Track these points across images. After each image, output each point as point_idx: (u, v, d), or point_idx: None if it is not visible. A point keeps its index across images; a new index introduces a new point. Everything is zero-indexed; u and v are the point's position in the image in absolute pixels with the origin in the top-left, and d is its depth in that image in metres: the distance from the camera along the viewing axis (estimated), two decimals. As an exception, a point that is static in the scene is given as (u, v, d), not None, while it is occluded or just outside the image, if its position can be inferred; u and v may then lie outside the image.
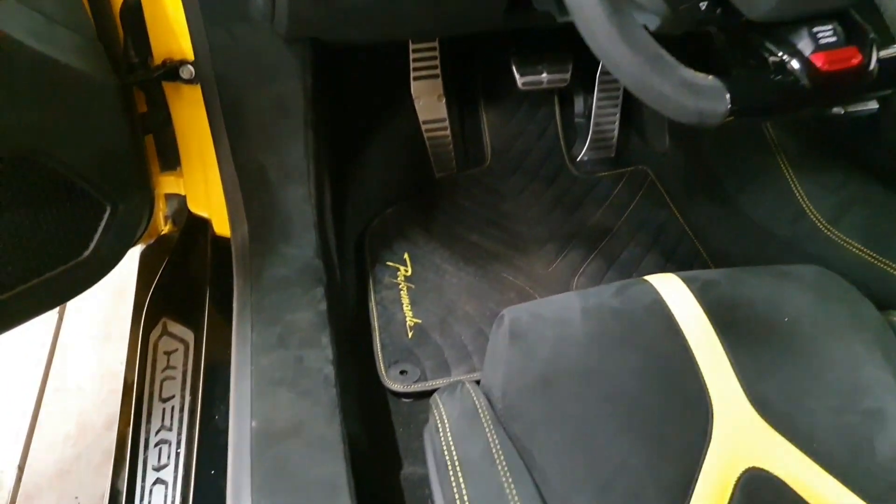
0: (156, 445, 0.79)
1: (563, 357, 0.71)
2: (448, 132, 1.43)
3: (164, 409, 0.84)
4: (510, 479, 0.61)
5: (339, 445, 0.67)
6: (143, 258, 1.15)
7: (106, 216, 0.78)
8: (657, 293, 0.76)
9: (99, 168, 0.74)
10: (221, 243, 1.01)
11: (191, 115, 0.99)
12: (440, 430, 0.67)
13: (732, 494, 0.64)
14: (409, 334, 1.08)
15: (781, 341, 0.73)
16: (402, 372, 1.01)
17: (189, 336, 0.94)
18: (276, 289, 0.87)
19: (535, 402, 0.68)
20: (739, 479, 0.65)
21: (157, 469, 0.76)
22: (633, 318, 0.74)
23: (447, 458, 0.64)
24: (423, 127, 1.42)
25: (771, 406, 0.68)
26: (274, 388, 0.72)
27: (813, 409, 0.69)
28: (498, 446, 0.63)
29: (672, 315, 0.74)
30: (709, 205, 1.28)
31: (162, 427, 0.81)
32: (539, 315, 0.74)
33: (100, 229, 0.78)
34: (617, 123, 1.52)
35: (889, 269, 0.87)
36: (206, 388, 0.83)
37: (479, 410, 0.68)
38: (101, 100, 0.72)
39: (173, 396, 0.85)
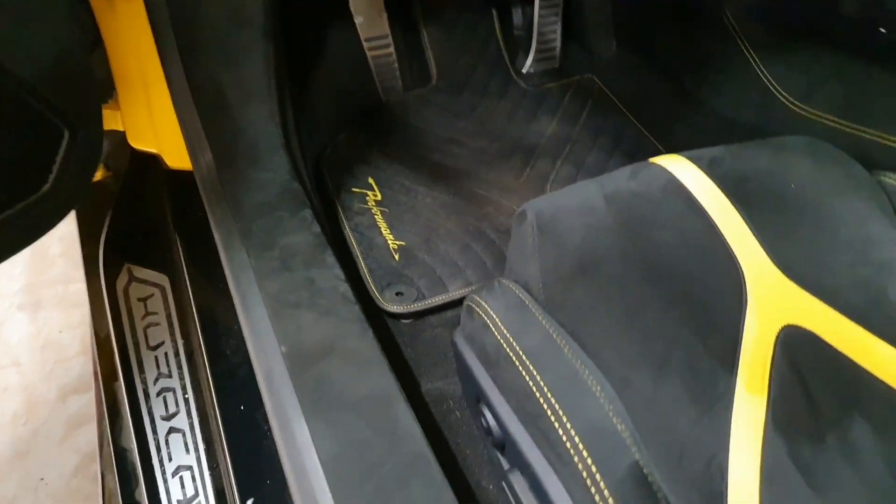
0: (158, 395, 0.71)
1: (596, 243, 0.69)
2: (391, 49, 1.36)
3: (156, 358, 0.76)
4: (579, 362, 0.59)
5: (380, 358, 0.63)
6: (81, 212, 1.03)
7: (65, 143, 0.67)
8: (670, 173, 0.76)
9: (54, 84, 0.63)
10: (178, 177, 0.92)
11: (128, 33, 0.87)
12: (491, 325, 0.64)
13: (774, 351, 0.65)
14: (396, 257, 1.04)
15: (793, 207, 0.75)
16: (398, 294, 0.97)
17: (163, 279, 0.85)
18: (261, 215, 0.80)
19: (577, 290, 0.66)
20: (778, 336, 0.66)
21: (167, 418, 0.69)
22: (652, 199, 0.73)
23: (508, 350, 0.61)
24: (366, 45, 1.34)
25: (795, 267, 0.70)
26: (293, 311, 0.67)
27: (831, 265, 0.71)
28: (558, 332, 0.61)
29: (690, 192, 0.73)
30: (666, 104, 1.29)
31: (160, 375, 0.73)
32: (562, 206, 0.72)
33: (59, 158, 0.67)
34: (559, 34, 1.49)
35: (868, 134, 0.90)
36: (203, 328, 0.75)
37: (528, 302, 0.65)
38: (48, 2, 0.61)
39: (163, 343, 0.77)
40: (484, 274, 1.02)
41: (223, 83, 0.89)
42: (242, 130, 0.90)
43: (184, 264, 0.84)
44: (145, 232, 0.94)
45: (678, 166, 0.77)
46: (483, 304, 0.67)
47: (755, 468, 0.62)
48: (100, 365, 0.79)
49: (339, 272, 0.73)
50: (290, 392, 0.59)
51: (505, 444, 0.71)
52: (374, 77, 1.37)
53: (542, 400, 0.57)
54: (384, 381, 0.61)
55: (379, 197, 1.15)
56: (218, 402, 0.67)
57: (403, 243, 1.06)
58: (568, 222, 0.70)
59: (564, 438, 0.55)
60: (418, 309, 0.96)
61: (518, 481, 0.67)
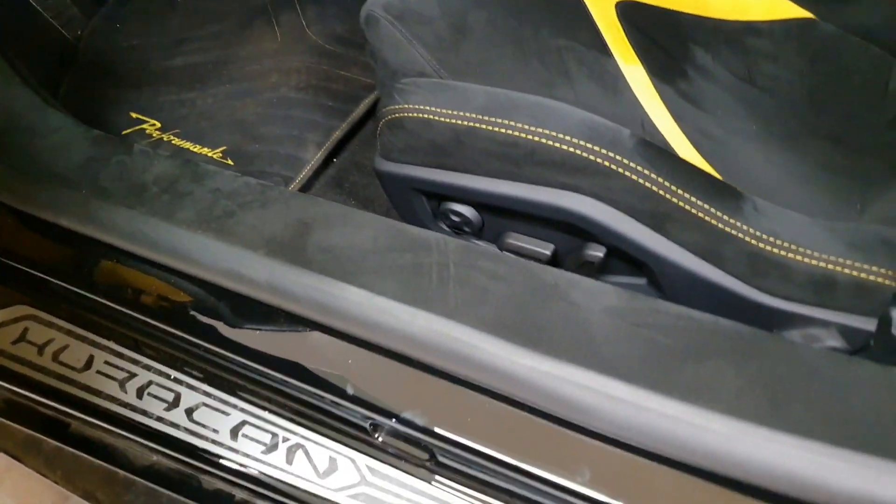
0: (141, 396, 0.60)
1: (451, 2, 0.69)
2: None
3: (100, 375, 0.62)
4: (528, 96, 0.62)
5: (348, 209, 0.60)
6: None
7: None
8: None
9: None
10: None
11: None
12: (432, 116, 0.63)
13: (622, 26, 0.75)
14: (229, 162, 0.93)
15: None
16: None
17: (21, 311, 0.68)
18: (100, 171, 0.66)
19: (466, 50, 0.68)
20: (617, 14, 0.75)
21: (168, 411, 0.59)
22: None
23: (466, 123, 0.62)
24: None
25: None
26: (234, 220, 0.59)
27: None
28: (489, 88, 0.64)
29: None
30: None
31: (119, 391, 0.61)
32: None
33: None
34: None
35: None
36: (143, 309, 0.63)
37: (443, 79, 0.65)
38: None
39: (90, 359, 0.63)
40: (323, 129, 0.97)
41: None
42: None
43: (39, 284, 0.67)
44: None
45: None
46: (407, 106, 0.65)
47: (666, 114, 0.72)
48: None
49: (230, 172, 0.65)
50: (314, 281, 0.53)
51: (484, 224, 0.73)
52: (49, 18, 1.12)
53: (529, 136, 0.60)
54: (374, 222, 0.58)
55: (158, 124, 0.99)
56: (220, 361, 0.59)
57: (224, 147, 0.95)
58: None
59: (571, 149, 0.58)
60: (298, 188, 0.89)
61: (523, 240, 0.70)
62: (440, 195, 0.72)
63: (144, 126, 0.99)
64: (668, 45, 0.78)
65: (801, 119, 0.74)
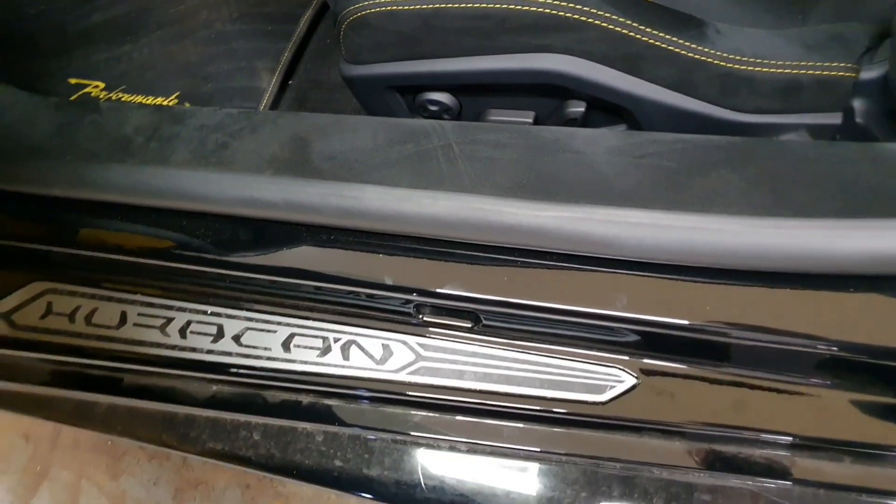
0: (184, 334, 0.61)
1: None
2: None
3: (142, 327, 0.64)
4: None
5: (341, 117, 0.61)
6: None
7: None
8: None
9: None
10: None
11: None
12: (395, 5, 0.63)
13: None
14: (186, 105, 0.91)
15: None
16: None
17: (38, 287, 0.68)
18: (73, 133, 0.65)
19: None
20: None
21: (214, 343, 0.61)
22: None
23: (430, 4, 0.62)
24: None
25: None
26: (230, 150, 0.59)
27: None
28: None
29: None
30: None
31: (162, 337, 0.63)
32: None
33: None
34: None
35: None
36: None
37: None
38: None
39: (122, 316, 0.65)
40: (270, 53, 0.95)
41: None
42: None
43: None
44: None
45: None
46: (368, 2, 0.64)
47: None
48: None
49: (209, 108, 0.65)
50: (329, 188, 0.55)
51: (462, 107, 0.74)
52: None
53: (498, 5, 0.61)
54: (367, 122, 0.59)
55: (101, 84, 0.96)
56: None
57: (178, 93, 0.93)
58: None
59: (541, 10, 0.60)
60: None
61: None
62: (415, 87, 0.73)
63: (88, 90, 0.95)
64: None
65: None
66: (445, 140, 0.57)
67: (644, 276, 0.51)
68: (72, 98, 0.95)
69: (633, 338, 0.53)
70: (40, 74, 1.00)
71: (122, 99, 0.94)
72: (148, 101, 0.93)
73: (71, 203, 0.65)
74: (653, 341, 0.53)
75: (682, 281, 0.50)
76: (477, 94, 0.72)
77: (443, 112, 0.74)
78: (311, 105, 0.91)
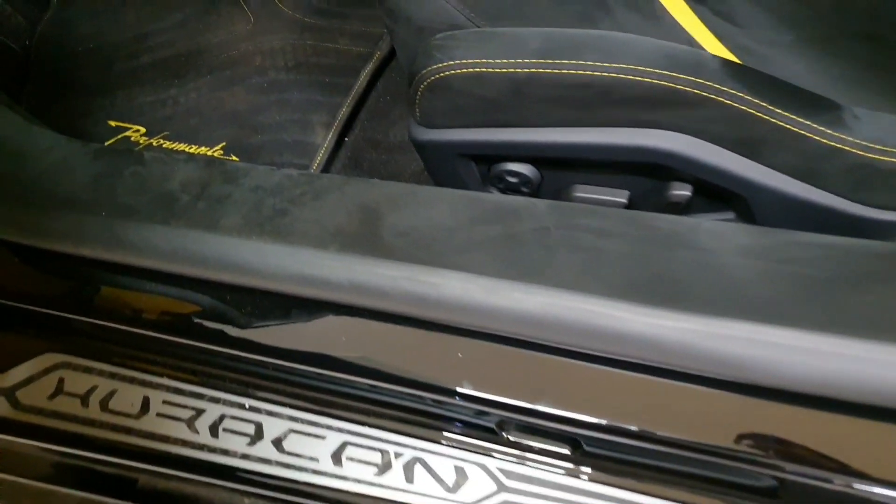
0: (216, 433, 0.52)
1: None
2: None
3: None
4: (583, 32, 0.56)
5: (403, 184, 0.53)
6: None
7: None
8: None
9: None
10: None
11: None
12: (483, 68, 0.57)
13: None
14: (232, 157, 0.85)
15: None
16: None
17: (50, 359, 0.60)
18: (115, 187, 0.58)
19: None
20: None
21: (250, 447, 0.52)
22: None
23: (525, 70, 0.55)
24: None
25: None
26: (289, 218, 0.52)
27: None
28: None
29: None
30: None
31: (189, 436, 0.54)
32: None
33: None
34: None
35: None
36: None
37: (484, 28, 0.59)
38: None
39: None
40: (327, 107, 0.88)
41: None
42: None
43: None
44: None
45: None
46: (453, 63, 0.57)
47: (709, 35, 0.66)
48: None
49: (265, 166, 0.57)
50: (403, 271, 0.47)
51: (543, 181, 0.66)
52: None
53: (603, 73, 0.53)
54: (444, 195, 0.51)
55: (142, 129, 0.90)
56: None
57: (224, 144, 0.86)
58: None
59: (654, 81, 0.52)
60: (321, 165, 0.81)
61: (587, 190, 0.64)
62: (492, 156, 0.65)
63: (128, 133, 0.89)
64: None
65: (831, 22, 0.70)
66: (540, 222, 0.49)
67: (794, 407, 0.41)
68: (110, 142, 0.89)
69: (769, 483, 0.43)
70: (81, 113, 0.94)
71: (164, 145, 0.87)
72: (191, 150, 0.86)
73: (100, 265, 0.57)
74: (795, 491, 0.43)
75: (849, 418, 0.41)
76: (564, 168, 0.64)
77: (521, 185, 0.66)
78: (368, 165, 0.84)
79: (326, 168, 0.83)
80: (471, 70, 0.58)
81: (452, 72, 0.59)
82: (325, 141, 0.84)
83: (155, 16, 1.08)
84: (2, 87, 0.97)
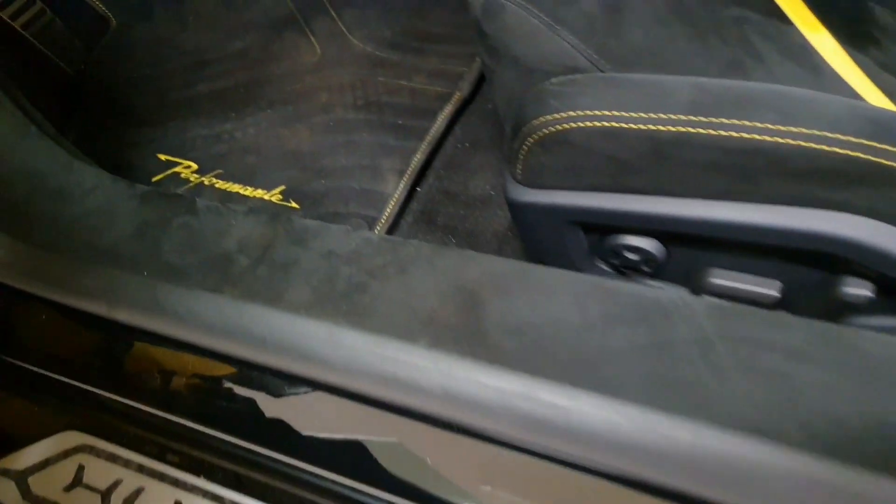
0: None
1: None
2: (42, 6, 0.93)
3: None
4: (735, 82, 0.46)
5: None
6: None
7: None
8: None
9: None
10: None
11: None
12: (617, 123, 0.46)
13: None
14: (293, 204, 0.75)
15: None
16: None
17: (72, 439, 0.50)
18: (159, 241, 0.50)
19: (628, 32, 0.51)
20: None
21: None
22: None
23: (670, 127, 0.44)
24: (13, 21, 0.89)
25: None
26: (367, 294, 0.42)
27: None
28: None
29: None
30: None
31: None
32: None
33: None
34: None
35: None
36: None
37: (613, 74, 0.48)
38: None
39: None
40: (399, 153, 0.79)
41: None
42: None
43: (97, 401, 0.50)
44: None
45: None
46: (576, 114, 0.47)
47: (876, 91, 0.55)
48: None
49: (340, 227, 0.48)
50: (518, 385, 0.36)
51: (669, 259, 0.55)
52: (47, 52, 0.94)
53: (780, 139, 0.42)
54: (565, 280, 0.41)
55: (194, 165, 0.81)
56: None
57: (283, 187, 0.77)
58: None
59: (849, 152, 0.40)
60: (384, 232, 0.71)
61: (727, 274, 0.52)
62: (609, 227, 0.54)
63: (178, 169, 0.81)
64: (845, 4, 0.61)
65: None
66: (699, 330, 0.37)
67: None
68: (158, 177, 0.81)
69: None
70: (130, 144, 0.87)
71: (217, 185, 0.78)
72: (246, 192, 0.77)
73: (137, 333, 0.48)
74: None
75: None
76: (699, 248, 0.52)
77: (642, 263, 0.55)
78: (443, 220, 0.74)
79: (396, 221, 0.73)
80: (600, 124, 0.47)
81: (575, 124, 0.48)
82: (396, 191, 0.74)
83: (215, 43, 1.01)
84: (51, 112, 0.90)
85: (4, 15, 0.86)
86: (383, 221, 0.72)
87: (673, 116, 0.45)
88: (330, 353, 0.41)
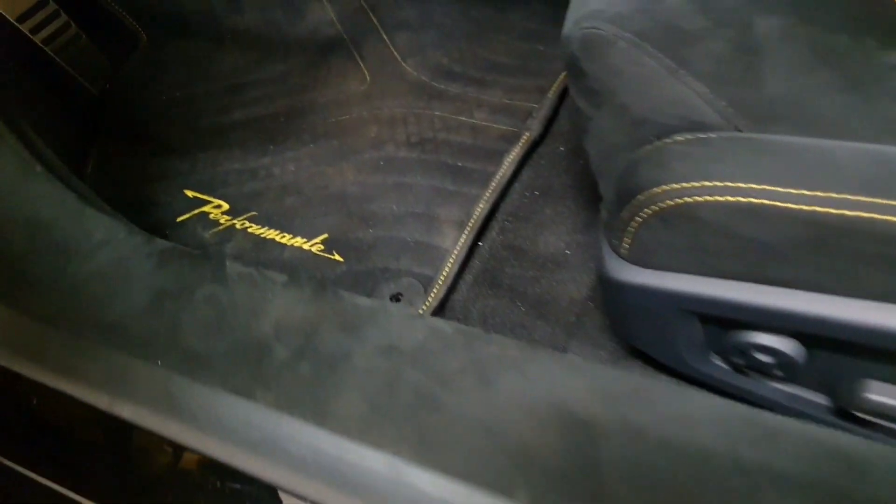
0: None
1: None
2: (70, 22, 0.85)
3: None
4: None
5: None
6: None
7: None
8: None
9: None
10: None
11: None
12: (767, 200, 0.35)
13: None
14: (336, 257, 0.65)
15: None
16: (395, 298, 0.60)
17: None
18: (182, 306, 0.40)
19: (764, 86, 0.40)
20: None
21: None
22: None
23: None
24: (36, 38, 0.81)
25: None
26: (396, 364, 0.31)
27: None
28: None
29: None
30: None
31: None
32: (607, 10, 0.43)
33: None
34: None
35: None
36: None
37: (743, 130, 0.38)
38: None
39: None
40: (459, 200, 0.69)
41: None
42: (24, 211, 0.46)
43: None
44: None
45: None
46: (711, 185, 0.37)
47: None
48: None
49: (400, 308, 0.38)
50: None
51: (810, 362, 0.44)
52: (69, 70, 0.86)
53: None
54: (731, 411, 0.30)
55: (225, 206, 0.72)
56: None
57: (325, 236, 0.67)
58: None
59: None
60: (441, 295, 0.61)
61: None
62: (737, 321, 0.43)
63: (206, 209, 0.71)
64: None
65: None
66: None
67: None
68: (184, 217, 0.71)
69: None
70: (155, 176, 0.78)
71: (249, 229, 0.69)
72: (283, 240, 0.67)
73: (149, 439, 0.38)
74: None
75: None
76: (850, 352, 0.41)
77: (775, 367, 0.44)
78: (508, 281, 0.63)
79: (455, 282, 0.63)
80: (742, 199, 0.37)
81: (708, 197, 0.38)
82: (456, 246, 0.64)
83: (254, 66, 0.93)
84: (70, 136, 0.82)
85: (25, 28, 0.78)
86: (441, 283, 0.61)
87: (844, 197, 0.34)
88: (392, 493, 0.31)
